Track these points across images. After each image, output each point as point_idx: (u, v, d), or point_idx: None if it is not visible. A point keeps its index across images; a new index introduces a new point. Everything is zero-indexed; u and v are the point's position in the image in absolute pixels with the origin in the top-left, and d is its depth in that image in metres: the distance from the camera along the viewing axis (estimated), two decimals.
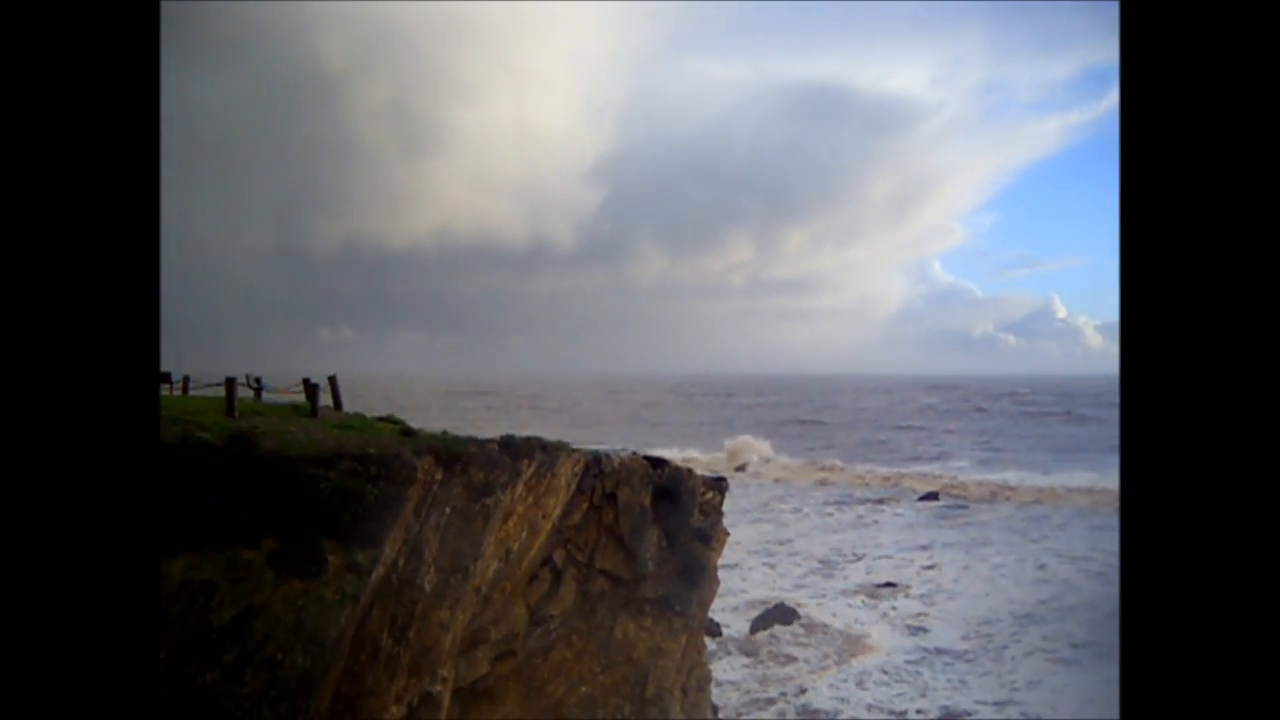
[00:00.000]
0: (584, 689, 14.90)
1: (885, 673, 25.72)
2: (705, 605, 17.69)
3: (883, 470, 70.49)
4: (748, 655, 27.18)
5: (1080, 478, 61.09)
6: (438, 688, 11.10)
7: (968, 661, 26.75)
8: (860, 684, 24.86)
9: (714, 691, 19.87)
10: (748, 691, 24.40)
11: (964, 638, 28.83)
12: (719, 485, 18.87)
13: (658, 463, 17.62)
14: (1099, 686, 24.03)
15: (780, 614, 29.97)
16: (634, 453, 18.07)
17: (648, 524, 16.32)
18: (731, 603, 30.97)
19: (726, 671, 25.35)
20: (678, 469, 17.91)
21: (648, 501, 16.47)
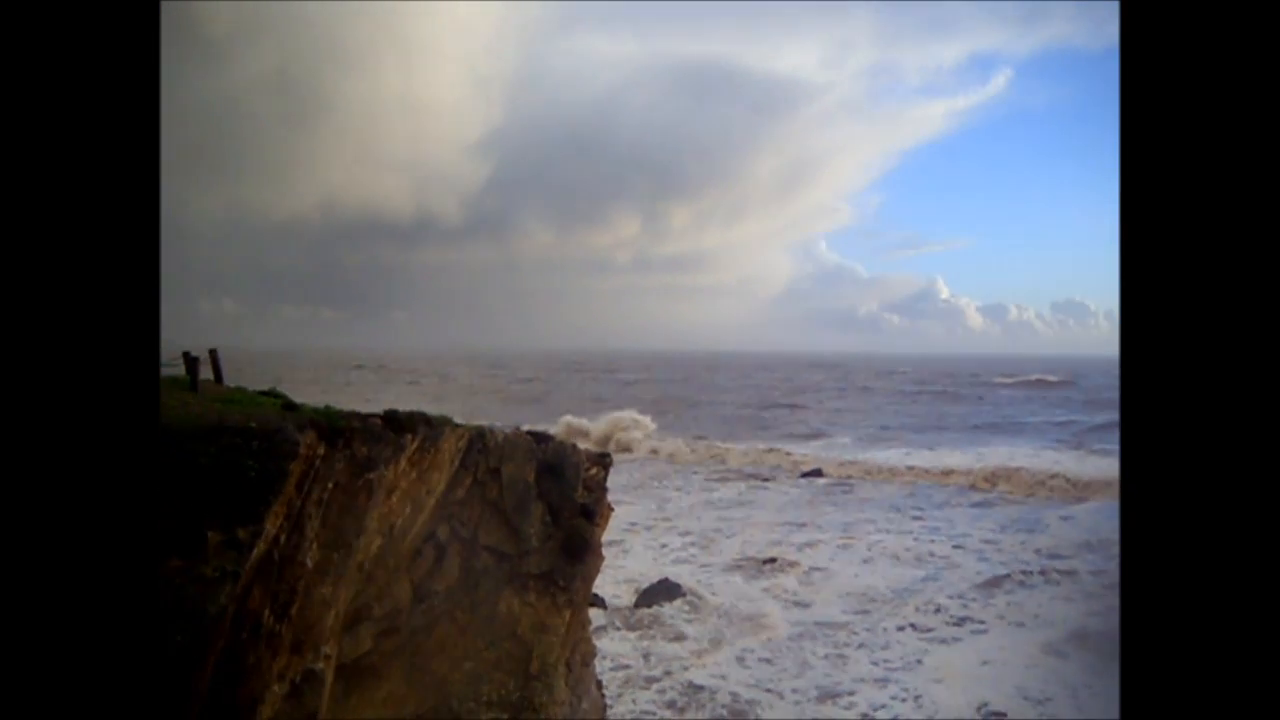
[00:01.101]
0: (468, 665, 14.87)
1: (767, 649, 26.19)
2: (589, 581, 17.77)
3: (765, 447, 71.39)
4: (632, 630, 27.44)
5: (960, 456, 62.88)
6: (320, 665, 10.98)
7: (849, 634, 27.39)
8: (741, 660, 25.27)
9: (598, 666, 20.01)
10: (629, 667, 24.66)
11: (844, 613, 29.50)
12: (603, 461, 18.95)
13: (542, 438, 17.62)
14: (973, 660, 24.83)
15: (664, 590, 30.26)
16: (517, 427, 18.03)
17: (532, 499, 16.32)
18: (614, 578, 31.18)
19: (610, 646, 25.56)
20: (562, 444, 17.93)
21: (531, 477, 16.47)
